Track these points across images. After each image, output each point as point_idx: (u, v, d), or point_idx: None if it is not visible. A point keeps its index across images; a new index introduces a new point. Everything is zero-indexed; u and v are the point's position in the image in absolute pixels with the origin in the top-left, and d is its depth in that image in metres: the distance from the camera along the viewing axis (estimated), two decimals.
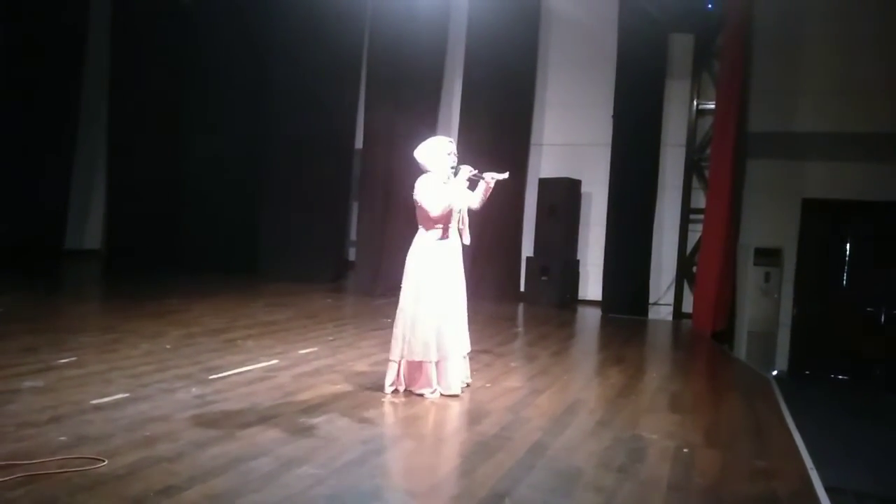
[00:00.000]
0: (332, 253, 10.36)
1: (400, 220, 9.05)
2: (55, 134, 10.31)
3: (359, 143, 10.38)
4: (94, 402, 3.84)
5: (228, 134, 10.39)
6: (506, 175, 4.66)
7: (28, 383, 4.10)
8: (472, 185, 4.63)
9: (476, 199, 4.70)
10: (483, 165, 4.71)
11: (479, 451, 3.60)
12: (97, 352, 4.99)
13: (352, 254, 11.03)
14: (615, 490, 3.19)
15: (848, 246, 9.03)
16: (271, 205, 10.16)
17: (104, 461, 3.01)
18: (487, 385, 4.90)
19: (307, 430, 3.66)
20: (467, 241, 4.74)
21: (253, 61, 10.43)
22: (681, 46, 9.34)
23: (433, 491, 3.09)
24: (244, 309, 7.32)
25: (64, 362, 4.63)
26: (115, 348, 5.14)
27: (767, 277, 8.72)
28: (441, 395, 4.49)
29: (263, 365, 4.99)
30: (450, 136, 9.62)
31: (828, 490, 3.47)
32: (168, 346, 5.31)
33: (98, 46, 10.72)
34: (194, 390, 4.22)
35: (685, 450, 3.82)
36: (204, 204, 10.43)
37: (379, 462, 3.34)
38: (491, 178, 4.61)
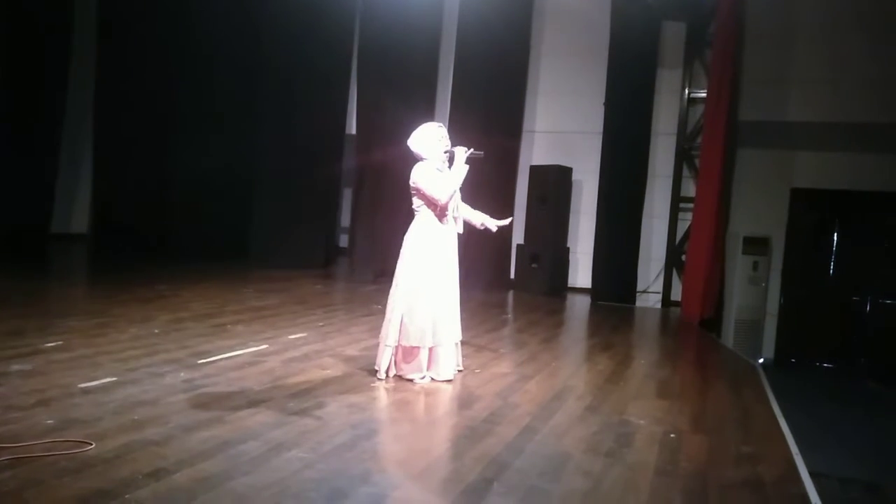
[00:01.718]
0: (323, 239, 10.31)
1: (392, 207, 9.01)
2: (42, 116, 10.20)
3: (350, 129, 10.33)
4: (82, 385, 3.82)
5: (218, 119, 10.28)
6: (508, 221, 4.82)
7: (15, 367, 4.08)
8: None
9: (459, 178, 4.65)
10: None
11: (468, 436, 3.62)
12: (85, 336, 4.96)
13: (342, 240, 11.02)
14: (603, 474, 3.21)
15: (835, 236, 9.09)
16: (262, 190, 10.08)
17: (92, 444, 3.00)
18: (477, 371, 4.92)
19: (297, 415, 3.66)
20: (460, 229, 4.76)
21: (244, 46, 10.30)
22: (673, 35, 9.32)
23: (422, 475, 3.11)
24: (233, 294, 7.30)
25: (51, 346, 4.60)
26: (104, 332, 5.11)
27: (755, 266, 8.77)
28: (432, 380, 4.51)
29: (253, 350, 4.98)
30: (442, 122, 9.67)
31: (812, 475, 3.51)
32: (156, 331, 5.29)
33: (86, 29, 10.59)
34: (183, 374, 4.21)
35: (672, 435, 3.85)
36: (193, 189, 10.33)
37: (368, 446, 3.35)
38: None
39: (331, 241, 10.62)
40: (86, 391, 3.74)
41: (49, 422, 3.24)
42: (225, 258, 9.72)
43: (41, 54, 9.96)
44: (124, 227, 10.31)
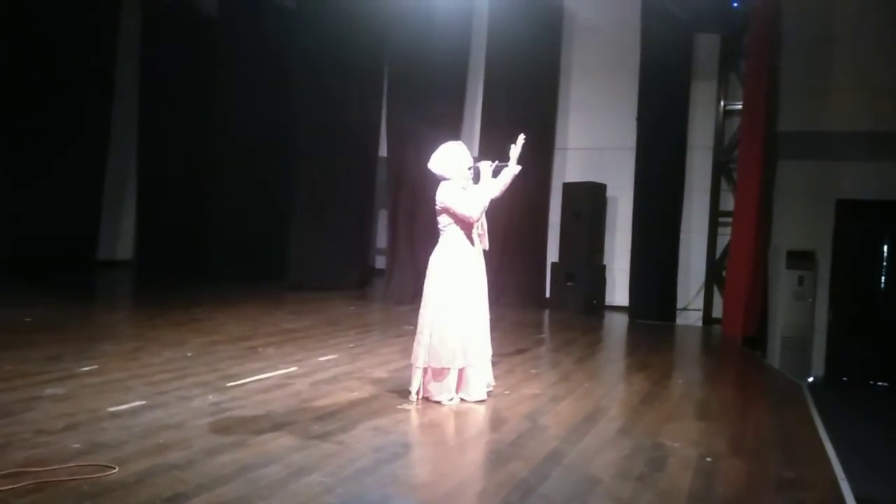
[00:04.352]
0: (358, 260, 10.38)
1: (425, 227, 9.02)
2: (87, 147, 10.57)
3: (383, 151, 10.40)
4: (111, 409, 3.87)
5: (255, 144, 10.54)
6: (521, 140, 4.65)
7: (49, 391, 4.16)
8: (496, 175, 4.61)
9: (497, 185, 4.62)
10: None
11: (493, 460, 3.53)
12: (119, 360, 5.04)
13: (378, 261, 11.06)
14: (632, 500, 3.09)
15: (885, 248, 8.72)
16: (298, 213, 10.20)
17: (115, 468, 3.01)
18: (507, 392, 4.82)
19: (320, 438, 3.63)
20: (486, 246, 4.71)
21: (277, 72, 10.57)
22: (706, 47, 9.16)
23: (442, 501, 3.03)
24: (268, 317, 7.36)
25: (86, 370, 4.69)
26: (137, 356, 5.19)
27: (801, 281, 8.46)
28: (463, 400, 4.45)
29: (282, 372, 4.99)
30: (473, 141, 9.69)
31: (859, 502, 3.32)
32: (189, 354, 5.35)
33: (128, 59, 10.96)
34: (211, 398, 4.23)
35: (708, 459, 3.69)
36: (232, 213, 10.56)
37: (389, 470, 3.29)
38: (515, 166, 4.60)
39: (366, 262, 10.67)
40: (114, 415, 3.79)
41: (76, 446, 3.28)
42: (263, 281, 9.85)
43: (86, 85, 10.34)
44: (167, 252, 10.56)
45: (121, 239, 11.67)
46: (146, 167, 10.97)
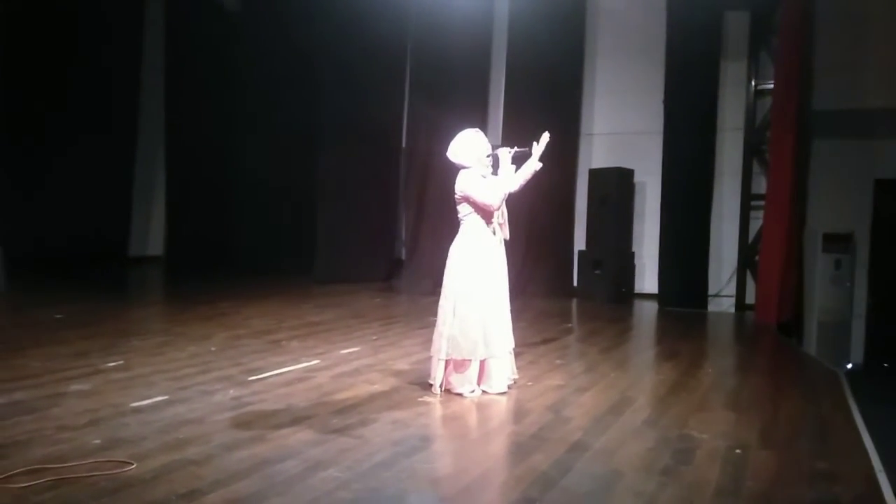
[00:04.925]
0: (384, 252, 10.37)
1: (445, 217, 8.95)
2: (116, 146, 10.75)
3: (406, 141, 10.35)
4: (134, 404, 3.89)
5: (281, 138, 10.57)
6: (545, 138, 4.54)
7: (75, 387, 4.20)
8: (518, 162, 4.52)
9: (517, 180, 4.52)
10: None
11: (514, 453, 3.47)
12: (145, 355, 5.09)
13: (404, 253, 11.03)
14: (656, 494, 2.99)
15: None
16: (324, 206, 10.21)
17: (133, 464, 3.02)
18: (529, 383, 4.74)
19: (339, 432, 3.60)
20: (507, 235, 4.64)
21: (300, 65, 10.56)
22: (735, 25, 8.89)
23: (461, 495, 2.97)
24: (293, 310, 7.38)
25: (112, 366, 4.73)
26: (162, 351, 5.23)
27: (838, 264, 8.19)
28: (485, 392, 4.39)
29: (304, 365, 4.98)
30: (497, 129, 9.56)
31: None
32: (213, 349, 5.38)
33: (153, 56, 11.09)
34: (232, 392, 4.23)
35: (738, 450, 3.57)
36: (259, 208, 10.64)
37: (408, 464, 3.24)
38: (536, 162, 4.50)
39: (391, 253, 10.65)
40: (136, 410, 3.81)
41: (96, 441, 3.30)
42: (290, 274, 9.90)
43: (112, 85, 10.49)
44: (195, 247, 10.71)
45: (151, 235, 11.85)
46: (174, 165, 11.13)
